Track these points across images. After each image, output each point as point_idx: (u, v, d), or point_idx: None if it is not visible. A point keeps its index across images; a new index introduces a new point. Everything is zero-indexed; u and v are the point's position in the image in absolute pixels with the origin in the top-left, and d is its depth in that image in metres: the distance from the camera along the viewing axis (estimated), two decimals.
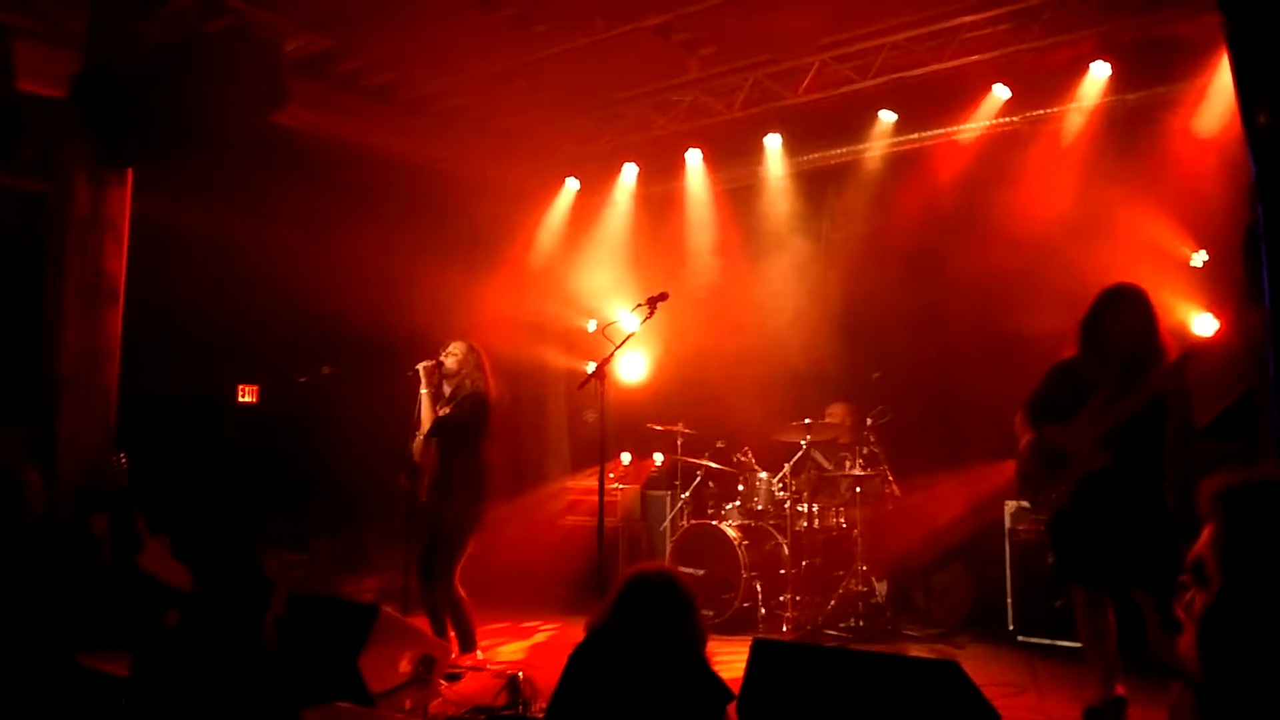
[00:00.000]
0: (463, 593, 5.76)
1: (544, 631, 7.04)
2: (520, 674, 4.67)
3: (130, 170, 6.59)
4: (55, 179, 6.46)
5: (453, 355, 5.96)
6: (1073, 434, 4.48)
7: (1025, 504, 4.77)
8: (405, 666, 4.45)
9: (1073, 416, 4.51)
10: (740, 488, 7.57)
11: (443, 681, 4.73)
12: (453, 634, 5.77)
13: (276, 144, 6.86)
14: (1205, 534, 1.61)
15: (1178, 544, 4.06)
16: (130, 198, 6.60)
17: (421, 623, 5.78)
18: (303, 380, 6.91)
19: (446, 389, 5.93)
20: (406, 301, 7.64)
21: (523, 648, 6.54)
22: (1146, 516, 4.26)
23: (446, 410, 5.85)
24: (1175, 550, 4.04)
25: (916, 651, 6.46)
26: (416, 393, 5.93)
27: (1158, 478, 4.34)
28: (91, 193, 6.41)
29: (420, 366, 5.86)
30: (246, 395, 8.26)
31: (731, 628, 6.77)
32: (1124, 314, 4.43)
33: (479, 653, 5.75)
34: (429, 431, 5.80)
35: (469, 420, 5.81)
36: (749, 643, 3.54)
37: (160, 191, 6.79)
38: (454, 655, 5.60)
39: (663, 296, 5.35)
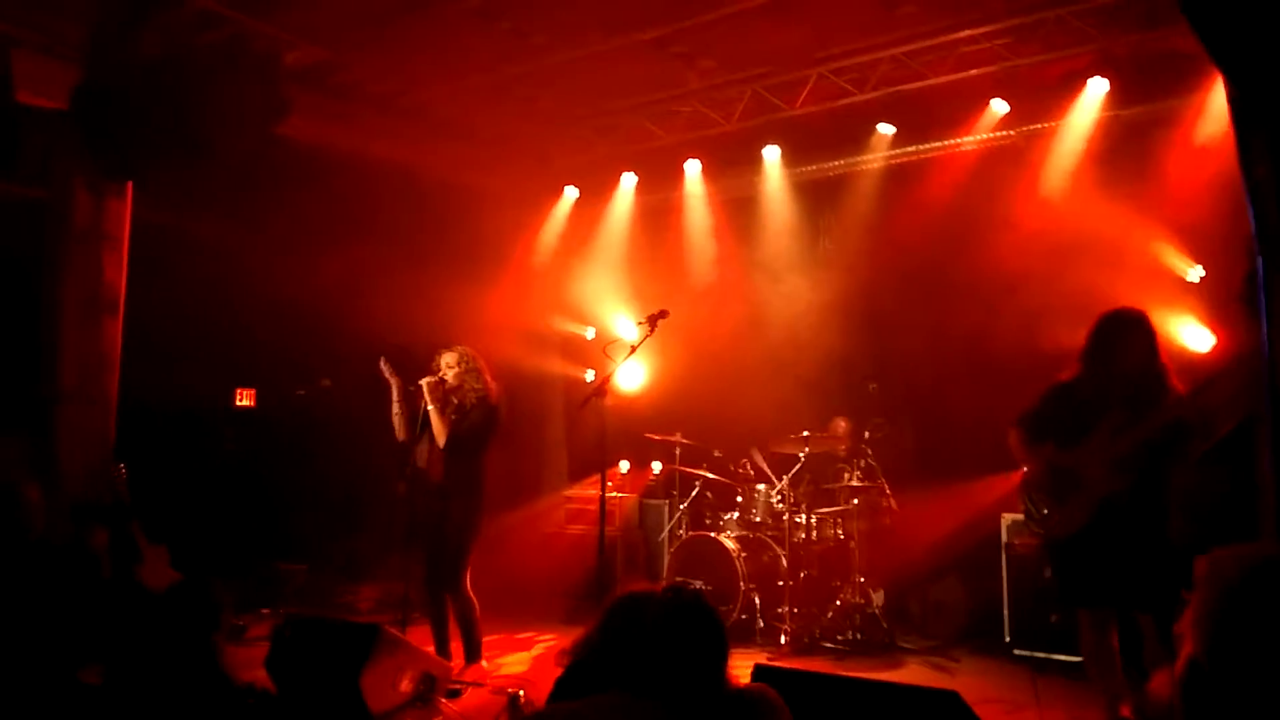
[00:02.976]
0: (474, 599, 5.81)
1: (543, 642, 7.05)
2: (521, 692, 4.69)
3: (129, 182, 6.61)
4: (54, 190, 6.49)
5: (451, 368, 5.98)
6: (1086, 457, 4.45)
7: (1029, 522, 4.72)
8: (406, 685, 4.47)
9: (1076, 439, 4.49)
10: (738, 499, 7.59)
11: (444, 699, 4.75)
12: (459, 644, 5.81)
13: (275, 154, 6.86)
14: (1191, 606, 1.66)
15: (1185, 569, 4.08)
16: (129, 209, 6.62)
17: (421, 634, 5.82)
18: (301, 393, 6.92)
19: (453, 400, 5.97)
20: (405, 310, 7.64)
21: (522, 659, 6.56)
22: (1160, 541, 4.26)
23: (454, 419, 5.89)
24: (1183, 575, 4.06)
25: (913, 664, 6.50)
26: (418, 405, 5.95)
27: (1168, 502, 4.34)
28: (90, 204, 6.44)
29: (424, 382, 5.87)
30: (244, 399, 8.27)
31: (730, 639, 6.78)
32: (1130, 342, 4.41)
33: (484, 663, 5.79)
34: (446, 446, 5.82)
35: (480, 430, 5.88)
36: (748, 654, 3.57)
37: (159, 201, 6.81)
38: (460, 667, 5.63)
39: (663, 314, 5.37)
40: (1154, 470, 4.35)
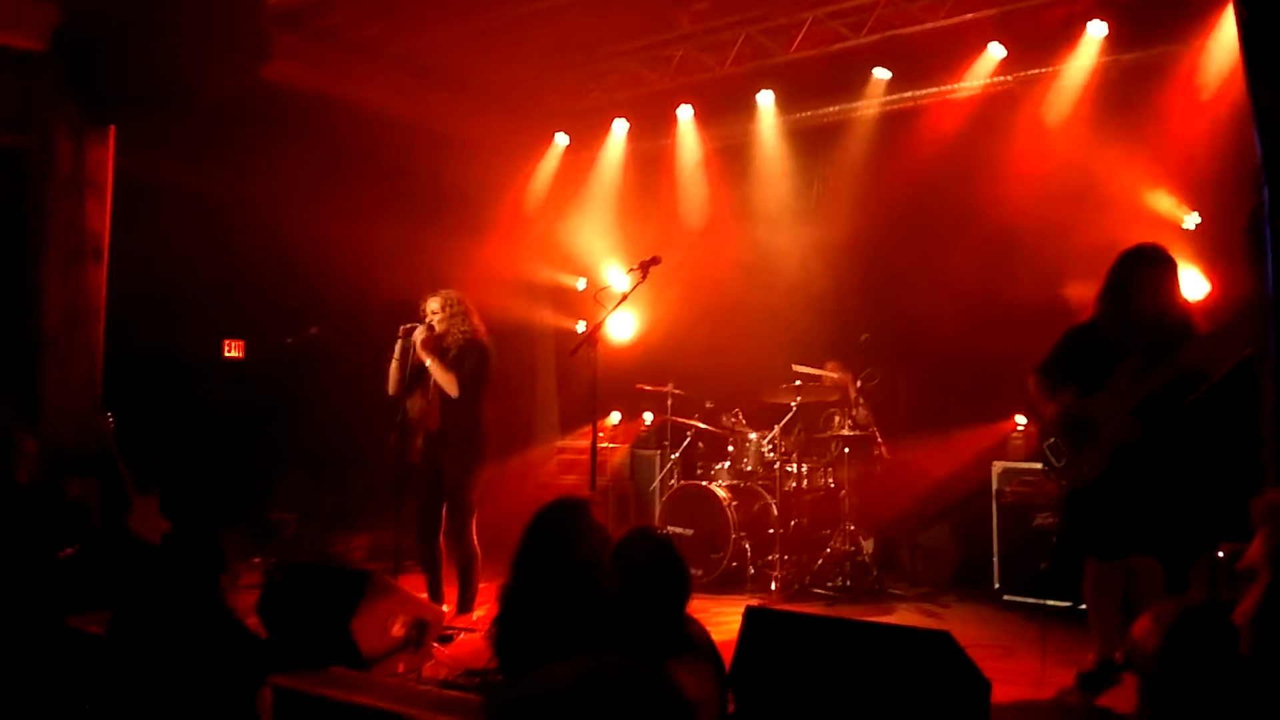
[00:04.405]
0: (478, 551, 5.81)
1: None
2: None
3: (112, 127, 6.48)
4: (36, 136, 6.35)
5: (436, 314, 5.93)
6: (1104, 403, 4.35)
7: (1048, 472, 4.63)
8: (398, 630, 4.45)
9: (1096, 383, 4.39)
10: (730, 448, 7.59)
11: (435, 644, 4.75)
12: (453, 592, 5.83)
13: (260, 99, 6.74)
14: (1257, 541, 1.68)
15: (1205, 515, 4.02)
16: (112, 155, 6.50)
17: (414, 582, 5.82)
18: (289, 341, 6.87)
19: (443, 345, 5.92)
20: (393, 259, 7.57)
21: None
22: (1177, 487, 4.19)
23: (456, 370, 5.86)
24: (1202, 521, 4.00)
25: (903, 610, 6.53)
26: (404, 352, 5.89)
27: (1188, 447, 4.25)
28: (73, 150, 6.31)
29: (417, 340, 5.79)
30: (232, 350, 8.22)
31: (720, 587, 6.85)
32: (1150, 278, 4.30)
33: (475, 615, 5.80)
34: (458, 397, 5.77)
35: (480, 372, 5.84)
36: (738, 600, 3.58)
37: (144, 149, 6.68)
38: (450, 615, 5.65)
39: (655, 261, 5.30)
40: (1171, 415, 4.25)
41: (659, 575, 2.99)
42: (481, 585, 6.14)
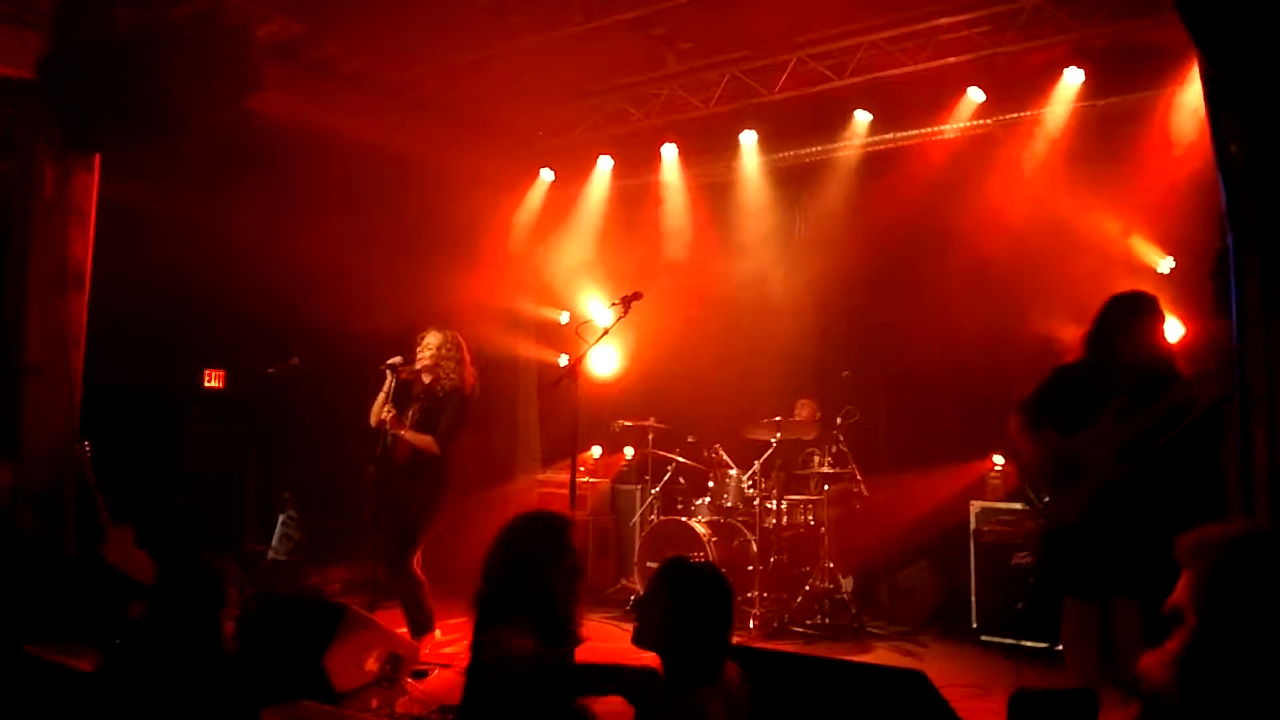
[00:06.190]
0: (421, 578, 5.82)
1: None
2: None
3: (97, 155, 6.49)
4: (20, 162, 6.36)
5: (428, 348, 5.95)
6: (1089, 443, 4.37)
7: (1030, 510, 4.64)
8: (372, 665, 4.44)
9: (1078, 424, 4.41)
10: (710, 484, 7.59)
11: (409, 680, 4.72)
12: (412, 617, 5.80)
13: (247, 130, 6.75)
14: (1182, 582, 1.67)
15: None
16: (97, 182, 6.50)
17: (390, 616, 5.78)
18: (271, 371, 6.86)
19: (425, 378, 5.94)
20: (377, 291, 7.57)
21: None
22: (1159, 528, 4.21)
23: (418, 405, 5.89)
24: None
25: (881, 649, 6.52)
26: (390, 387, 5.90)
27: (1169, 489, 4.26)
28: (57, 177, 6.31)
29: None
30: (213, 380, 8.18)
31: None
32: (1134, 324, 4.36)
33: (437, 632, 5.78)
34: (440, 446, 5.78)
35: (458, 422, 5.87)
36: None
37: (128, 177, 6.69)
38: (409, 642, 5.62)
39: (637, 296, 5.34)
40: (1155, 457, 4.26)
41: (710, 600, 2.94)
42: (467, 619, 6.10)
